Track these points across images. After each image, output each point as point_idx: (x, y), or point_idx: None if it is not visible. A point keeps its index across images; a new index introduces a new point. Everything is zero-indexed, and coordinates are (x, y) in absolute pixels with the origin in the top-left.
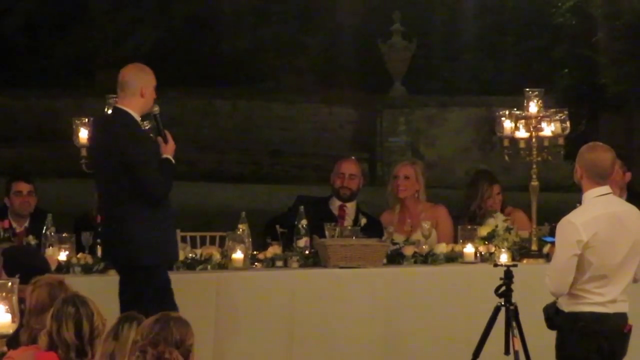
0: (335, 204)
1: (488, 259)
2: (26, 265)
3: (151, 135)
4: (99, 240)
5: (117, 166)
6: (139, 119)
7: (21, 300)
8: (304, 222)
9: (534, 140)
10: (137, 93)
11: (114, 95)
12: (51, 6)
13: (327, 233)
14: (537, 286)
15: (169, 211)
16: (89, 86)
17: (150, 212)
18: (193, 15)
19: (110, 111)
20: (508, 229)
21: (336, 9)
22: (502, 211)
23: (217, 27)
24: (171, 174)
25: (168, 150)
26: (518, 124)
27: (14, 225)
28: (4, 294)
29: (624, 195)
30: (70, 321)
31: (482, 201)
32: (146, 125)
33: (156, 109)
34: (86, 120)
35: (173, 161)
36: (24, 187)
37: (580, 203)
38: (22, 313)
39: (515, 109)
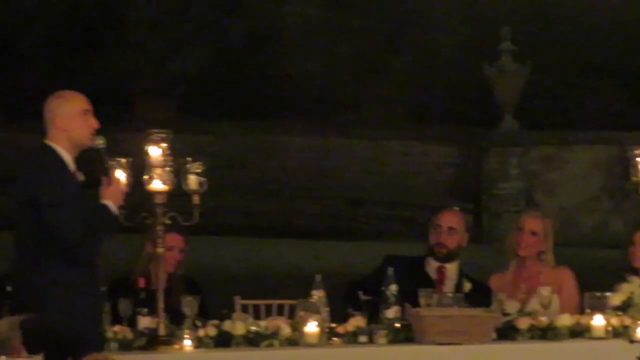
0: (432, 265)
1: (622, 333)
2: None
3: (79, 175)
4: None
5: (29, 214)
6: (66, 155)
7: None
8: (393, 287)
9: None
10: (53, 125)
11: (158, 130)
12: (79, 20)
13: (422, 301)
14: None
15: (97, 275)
16: (125, 118)
17: (71, 274)
18: (251, 32)
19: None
20: None
21: (431, 24)
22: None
23: (282, 47)
24: (105, 224)
25: (108, 195)
26: None
27: None
28: None
29: None
30: None
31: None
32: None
33: (100, 142)
34: (123, 160)
35: (112, 209)
36: None
37: None
38: None
39: None
